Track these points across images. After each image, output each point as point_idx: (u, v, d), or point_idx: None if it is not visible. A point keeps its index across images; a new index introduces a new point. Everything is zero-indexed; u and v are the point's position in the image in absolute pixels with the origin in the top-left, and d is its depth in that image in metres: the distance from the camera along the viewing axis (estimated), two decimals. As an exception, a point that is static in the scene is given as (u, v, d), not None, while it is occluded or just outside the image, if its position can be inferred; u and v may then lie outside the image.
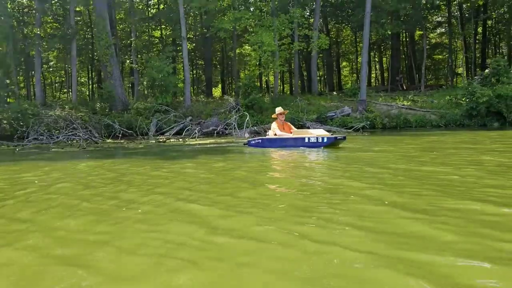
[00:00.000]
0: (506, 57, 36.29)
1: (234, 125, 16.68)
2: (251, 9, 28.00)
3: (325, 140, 9.74)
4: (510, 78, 20.28)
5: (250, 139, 11.40)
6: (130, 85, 38.07)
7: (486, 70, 20.37)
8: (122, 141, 17.21)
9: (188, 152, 10.63)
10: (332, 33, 46.57)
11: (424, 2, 28.36)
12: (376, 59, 52.72)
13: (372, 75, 50.29)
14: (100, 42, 23.37)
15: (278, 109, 10.74)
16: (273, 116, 11.14)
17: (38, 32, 25.46)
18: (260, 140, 10.80)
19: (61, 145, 15.08)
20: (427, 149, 8.78)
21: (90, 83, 39.65)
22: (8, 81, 24.36)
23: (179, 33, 26.61)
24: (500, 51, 45.58)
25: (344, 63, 57.48)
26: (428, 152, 8.02)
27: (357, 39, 47.36)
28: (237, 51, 50.53)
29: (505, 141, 10.26)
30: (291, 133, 10.46)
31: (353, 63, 56.76)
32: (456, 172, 5.07)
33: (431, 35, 45.59)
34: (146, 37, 34.56)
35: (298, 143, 10.01)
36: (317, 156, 8.00)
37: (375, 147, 9.65)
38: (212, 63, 39.16)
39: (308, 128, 19.69)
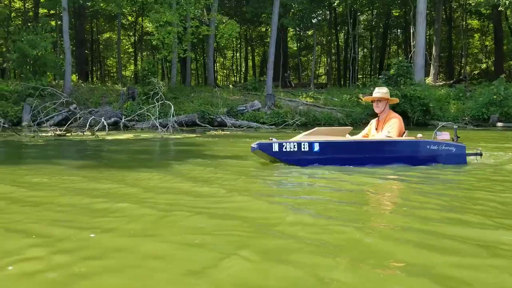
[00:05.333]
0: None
1: (156, 117, 13.71)
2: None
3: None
4: (413, 79, 21.22)
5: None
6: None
7: (392, 70, 20.97)
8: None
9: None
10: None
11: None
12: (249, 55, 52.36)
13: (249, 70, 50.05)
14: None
15: (377, 91, 6.01)
16: (365, 99, 6.85)
17: None
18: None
19: None
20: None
21: None
22: None
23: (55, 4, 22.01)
24: (357, 57, 49.78)
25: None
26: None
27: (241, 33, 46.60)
28: (107, 35, 45.49)
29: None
30: None
31: (225, 59, 56.10)
32: None
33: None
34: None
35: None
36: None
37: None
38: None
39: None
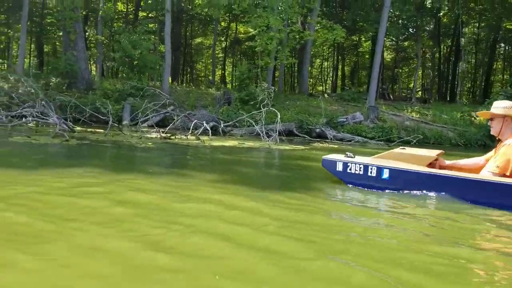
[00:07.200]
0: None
1: (262, 124, 12.75)
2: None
3: None
4: (543, 98, 18.48)
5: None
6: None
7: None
8: (102, 130, 12.41)
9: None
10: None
11: (430, 6, 26.29)
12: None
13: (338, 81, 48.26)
14: (64, 2, 18.14)
15: (494, 105, 4.51)
16: (479, 114, 4.98)
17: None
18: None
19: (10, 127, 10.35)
20: None
21: (28, 55, 33.30)
22: None
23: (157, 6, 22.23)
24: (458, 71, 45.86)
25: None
26: None
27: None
28: (199, 40, 46.28)
29: None
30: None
31: (313, 68, 54.59)
32: None
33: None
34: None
35: None
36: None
37: None
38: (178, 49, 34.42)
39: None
